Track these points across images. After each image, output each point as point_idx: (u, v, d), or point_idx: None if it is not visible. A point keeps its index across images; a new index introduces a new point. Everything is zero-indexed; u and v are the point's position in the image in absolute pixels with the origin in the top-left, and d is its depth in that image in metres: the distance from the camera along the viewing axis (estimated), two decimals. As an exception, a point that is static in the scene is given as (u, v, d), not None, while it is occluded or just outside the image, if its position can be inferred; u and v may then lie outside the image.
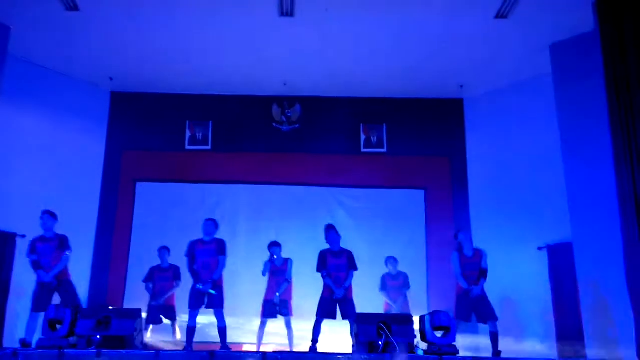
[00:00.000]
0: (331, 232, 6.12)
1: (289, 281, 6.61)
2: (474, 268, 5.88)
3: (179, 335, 6.68)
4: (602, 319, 5.99)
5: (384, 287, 7.06)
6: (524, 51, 7.25)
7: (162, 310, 6.85)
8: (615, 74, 5.52)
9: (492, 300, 5.92)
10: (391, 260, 7.15)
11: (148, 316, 6.72)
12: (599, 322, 6.04)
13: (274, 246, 6.73)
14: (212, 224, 5.99)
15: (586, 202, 6.34)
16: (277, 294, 6.49)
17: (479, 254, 5.96)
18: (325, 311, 5.87)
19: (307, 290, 6.36)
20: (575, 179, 6.53)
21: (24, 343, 5.27)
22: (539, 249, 7.31)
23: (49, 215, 5.94)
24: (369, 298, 7.03)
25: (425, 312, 5.48)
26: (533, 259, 7.30)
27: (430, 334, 4.82)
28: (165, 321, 6.90)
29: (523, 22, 6.66)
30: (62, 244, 5.87)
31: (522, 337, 7.18)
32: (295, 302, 6.64)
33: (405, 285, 7.04)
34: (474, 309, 5.76)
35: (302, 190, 8.37)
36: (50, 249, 5.82)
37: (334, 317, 5.89)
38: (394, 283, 7.05)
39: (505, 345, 6.07)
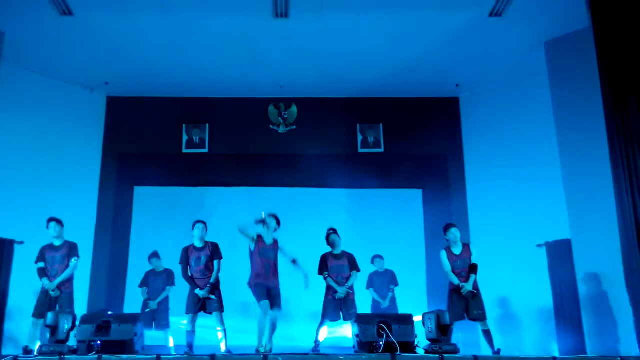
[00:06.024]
0: (332, 235, 6.15)
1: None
2: (465, 264, 5.73)
3: (172, 343, 6.59)
4: (601, 315, 6.01)
5: (370, 284, 7.07)
6: (519, 49, 7.28)
7: (155, 316, 6.65)
8: (610, 69, 5.54)
9: (491, 298, 5.91)
10: (377, 258, 7.16)
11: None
12: (598, 318, 6.05)
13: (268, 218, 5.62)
14: (203, 228, 5.82)
15: (584, 199, 6.36)
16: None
17: (469, 249, 5.83)
18: (329, 313, 5.88)
19: (306, 292, 6.33)
20: (573, 176, 6.56)
21: (26, 350, 5.24)
22: (538, 246, 7.32)
23: (55, 223, 5.77)
24: (369, 298, 7.05)
25: (424, 311, 5.47)
26: (532, 256, 7.30)
27: (430, 333, 4.82)
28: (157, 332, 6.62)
29: (517, 20, 6.69)
30: (71, 251, 5.76)
31: (522, 334, 7.20)
32: (294, 304, 6.61)
33: (393, 281, 7.05)
34: (467, 306, 5.62)
35: (299, 192, 8.36)
36: (59, 257, 5.72)
37: (338, 318, 5.89)
38: (381, 280, 7.06)
39: (505, 342, 6.08)
